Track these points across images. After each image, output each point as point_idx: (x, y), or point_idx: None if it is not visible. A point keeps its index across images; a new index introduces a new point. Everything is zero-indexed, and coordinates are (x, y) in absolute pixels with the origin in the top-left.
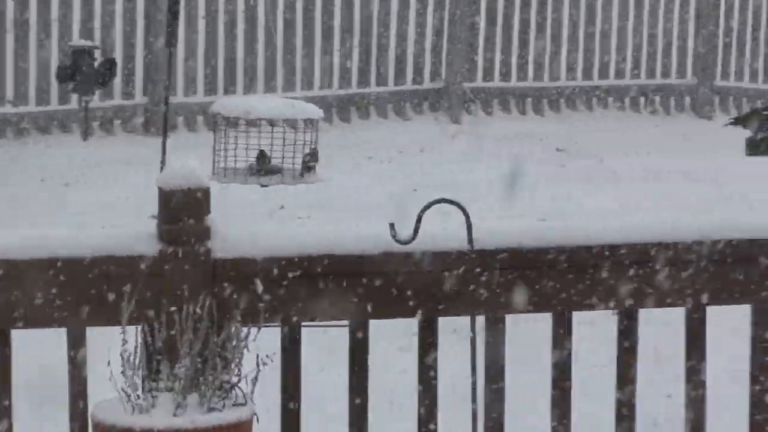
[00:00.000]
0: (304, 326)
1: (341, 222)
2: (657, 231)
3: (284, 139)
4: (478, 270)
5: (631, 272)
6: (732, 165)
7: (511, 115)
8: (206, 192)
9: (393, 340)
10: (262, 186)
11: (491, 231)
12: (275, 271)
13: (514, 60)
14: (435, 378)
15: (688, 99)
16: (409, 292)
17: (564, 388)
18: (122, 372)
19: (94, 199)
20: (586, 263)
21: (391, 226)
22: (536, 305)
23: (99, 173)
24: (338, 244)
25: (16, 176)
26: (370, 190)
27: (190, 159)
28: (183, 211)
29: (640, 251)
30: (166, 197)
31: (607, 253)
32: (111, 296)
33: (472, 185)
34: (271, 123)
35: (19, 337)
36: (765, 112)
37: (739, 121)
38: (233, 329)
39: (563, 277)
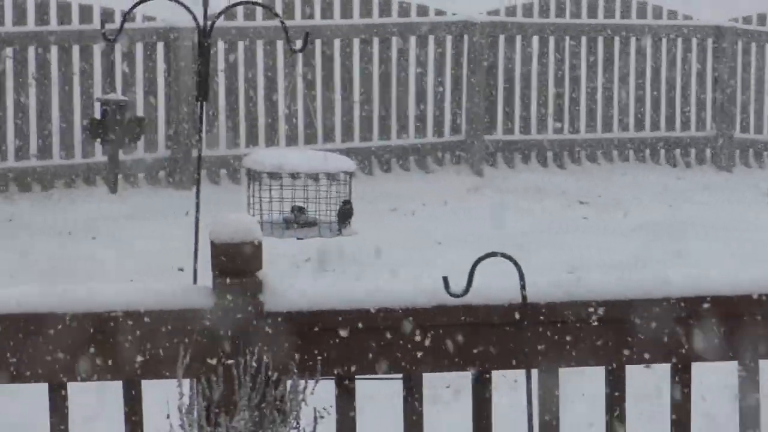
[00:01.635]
0: (358, 379)
1: (367, 275)
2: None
3: (318, 191)
4: (531, 323)
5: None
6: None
7: (532, 167)
8: (259, 245)
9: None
10: (299, 239)
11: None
12: (330, 324)
13: (533, 113)
14: (490, 429)
15: (708, 151)
16: (461, 346)
17: None
18: (181, 425)
19: (122, 251)
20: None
21: (445, 279)
22: (580, 361)
23: (126, 226)
24: (391, 298)
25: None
26: (395, 242)
27: (239, 213)
28: (237, 264)
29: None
30: (219, 250)
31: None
32: (165, 349)
33: (498, 238)
34: (308, 176)
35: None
36: None
37: None
38: (291, 382)
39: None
